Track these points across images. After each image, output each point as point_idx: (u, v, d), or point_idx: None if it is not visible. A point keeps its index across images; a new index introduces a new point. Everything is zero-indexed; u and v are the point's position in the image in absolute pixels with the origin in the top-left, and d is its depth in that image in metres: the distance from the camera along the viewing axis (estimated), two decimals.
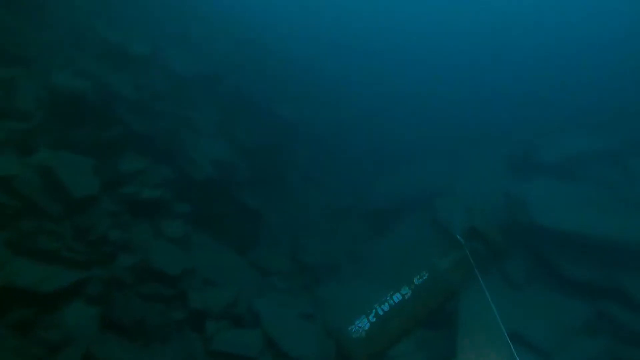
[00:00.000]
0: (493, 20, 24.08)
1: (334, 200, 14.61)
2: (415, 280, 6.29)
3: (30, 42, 8.12)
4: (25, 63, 7.89)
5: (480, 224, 6.40)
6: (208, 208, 9.93)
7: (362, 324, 6.24)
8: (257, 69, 15.01)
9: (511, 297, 9.12)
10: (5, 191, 5.97)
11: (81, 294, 5.50)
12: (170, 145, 9.86)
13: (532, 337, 8.14)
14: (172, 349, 6.05)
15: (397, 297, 6.25)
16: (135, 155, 8.69)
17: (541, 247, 10.00)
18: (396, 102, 19.02)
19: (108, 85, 8.84)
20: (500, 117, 17.12)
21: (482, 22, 24.13)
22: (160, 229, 7.97)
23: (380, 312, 6.22)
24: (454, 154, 15.97)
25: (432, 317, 6.36)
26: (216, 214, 10.09)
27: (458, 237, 6.50)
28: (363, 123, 17.72)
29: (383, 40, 23.47)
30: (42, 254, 5.54)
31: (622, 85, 16.27)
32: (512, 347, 7.17)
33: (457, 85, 19.45)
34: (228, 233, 10.13)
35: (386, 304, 6.28)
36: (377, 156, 17.13)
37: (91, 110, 8.14)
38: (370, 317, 6.26)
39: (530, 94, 17.87)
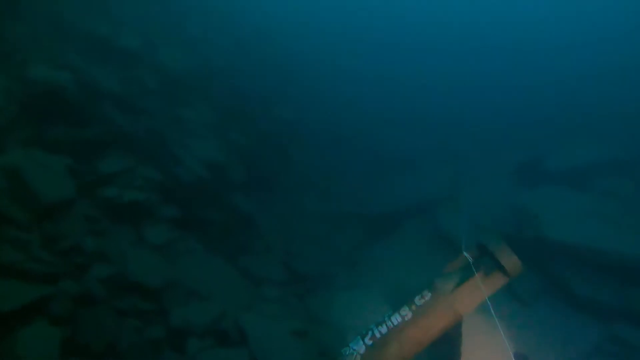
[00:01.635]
0: (500, 27, 23.64)
1: (331, 205, 14.03)
2: (417, 301, 5.72)
3: (4, 32, 7.54)
4: None
5: (487, 239, 5.82)
6: (197, 212, 9.36)
7: (357, 347, 5.68)
8: (255, 68, 14.45)
9: (518, 315, 8.60)
10: None
11: (44, 313, 4.90)
12: (157, 145, 9.29)
13: None
14: None
15: (395, 319, 5.68)
16: (118, 155, 8.12)
17: (550, 262, 9.47)
18: (399, 105, 18.47)
19: (90, 79, 8.28)
20: (508, 124, 16.58)
21: (489, 28, 23.69)
22: (142, 235, 7.40)
23: (377, 335, 5.66)
24: (459, 160, 15.43)
25: (434, 341, 5.78)
26: (205, 218, 9.52)
27: (465, 254, 5.93)
28: (364, 125, 17.14)
29: (386, 43, 22.97)
30: (2, 266, 4.95)
31: (633, 93, 15.76)
32: None
33: (463, 91, 18.92)
34: (218, 239, 9.56)
35: (384, 325, 5.71)
36: (378, 160, 16.56)
37: (70, 106, 7.55)
38: (366, 340, 5.70)
39: (539, 102, 17.36)
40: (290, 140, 14.38)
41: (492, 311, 5.78)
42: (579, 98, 17.19)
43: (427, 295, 5.70)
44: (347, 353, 5.66)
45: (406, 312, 5.66)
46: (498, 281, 5.71)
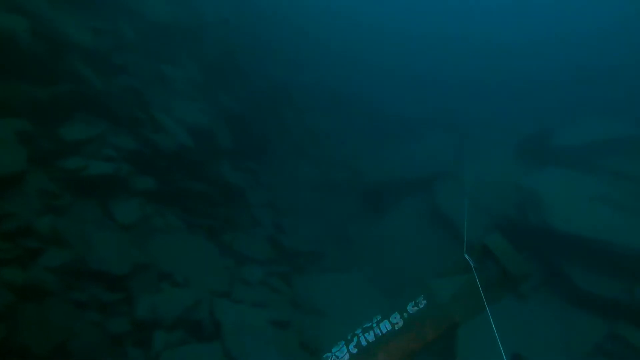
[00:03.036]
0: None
1: (325, 175, 13.29)
2: (409, 308, 5.10)
3: None
4: None
5: (491, 241, 5.13)
6: (177, 183, 8.58)
7: (341, 354, 5.10)
8: (249, 24, 13.20)
9: (516, 309, 8.07)
10: None
11: None
12: (134, 107, 8.37)
13: None
14: None
15: (385, 326, 5.08)
16: (86, 119, 7.22)
17: (553, 252, 8.86)
18: (401, 69, 17.28)
19: (54, 27, 7.21)
20: (516, 97, 15.55)
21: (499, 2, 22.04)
22: (110, 212, 6.66)
23: (364, 342, 5.08)
24: (462, 132, 14.55)
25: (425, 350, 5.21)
26: (186, 190, 8.75)
27: (466, 256, 5.25)
28: (364, 90, 16.06)
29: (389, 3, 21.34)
30: None
31: None
32: None
33: (471, 60, 17.67)
34: (200, 213, 8.85)
35: (371, 332, 5.12)
36: (377, 126, 15.65)
37: (26, 59, 6.57)
38: (351, 347, 5.12)
39: (548, 75, 16.22)
40: (285, 102, 13.39)
41: (487, 309, 5.18)
42: (592, 71, 16.10)
43: (422, 303, 5.08)
44: None
45: (397, 320, 5.06)
46: (501, 289, 5.07)
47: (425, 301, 5.09)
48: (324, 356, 5.20)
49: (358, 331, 5.23)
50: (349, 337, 5.24)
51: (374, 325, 5.15)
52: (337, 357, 5.10)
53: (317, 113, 14.61)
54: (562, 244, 8.74)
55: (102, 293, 5.52)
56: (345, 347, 5.14)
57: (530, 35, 19.15)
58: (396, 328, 5.01)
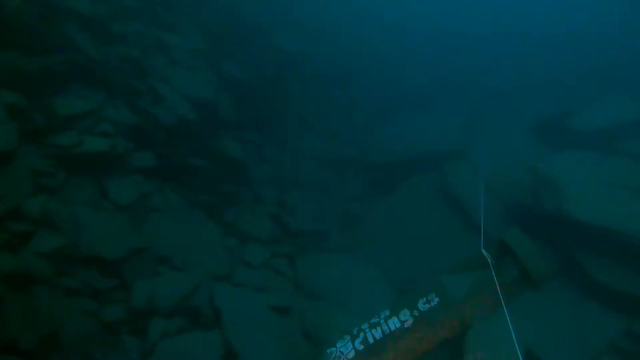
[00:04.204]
0: None
1: (332, 150, 12.87)
2: (420, 306, 4.80)
3: None
4: None
5: (511, 238, 4.77)
6: (177, 159, 8.22)
7: (346, 350, 4.86)
8: None
9: (527, 300, 7.73)
10: None
11: None
12: (132, 78, 7.93)
13: (546, 357, 6.88)
14: None
15: (393, 324, 4.80)
16: (81, 91, 6.82)
17: (570, 242, 8.48)
18: (412, 39, 16.42)
19: None
20: (535, 74, 14.76)
21: None
22: (106, 192, 6.34)
23: (370, 340, 4.81)
24: (475, 108, 13.92)
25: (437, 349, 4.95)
26: (187, 166, 8.40)
27: (484, 251, 4.91)
28: (372, 61, 15.36)
29: None
30: None
31: None
32: None
33: (486, 29, 16.70)
34: (201, 190, 8.54)
35: (379, 329, 4.85)
36: (386, 102, 15.05)
37: (19, 26, 6.11)
38: (357, 343, 4.86)
39: (570, 52, 15.32)
40: (291, 74, 12.81)
41: (505, 310, 4.88)
42: (617, 48, 15.20)
43: (434, 301, 4.77)
44: (334, 355, 4.85)
45: (406, 318, 4.77)
46: (521, 290, 4.76)
47: (437, 298, 4.78)
48: (328, 350, 4.96)
49: (365, 326, 4.96)
50: (354, 332, 4.98)
51: (382, 321, 4.86)
52: (342, 352, 4.85)
53: (324, 86, 14.04)
54: (579, 233, 8.34)
55: (95, 279, 5.27)
56: (350, 342, 4.89)
57: (552, 12, 18.08)
58: (405, 326, 4.73)
